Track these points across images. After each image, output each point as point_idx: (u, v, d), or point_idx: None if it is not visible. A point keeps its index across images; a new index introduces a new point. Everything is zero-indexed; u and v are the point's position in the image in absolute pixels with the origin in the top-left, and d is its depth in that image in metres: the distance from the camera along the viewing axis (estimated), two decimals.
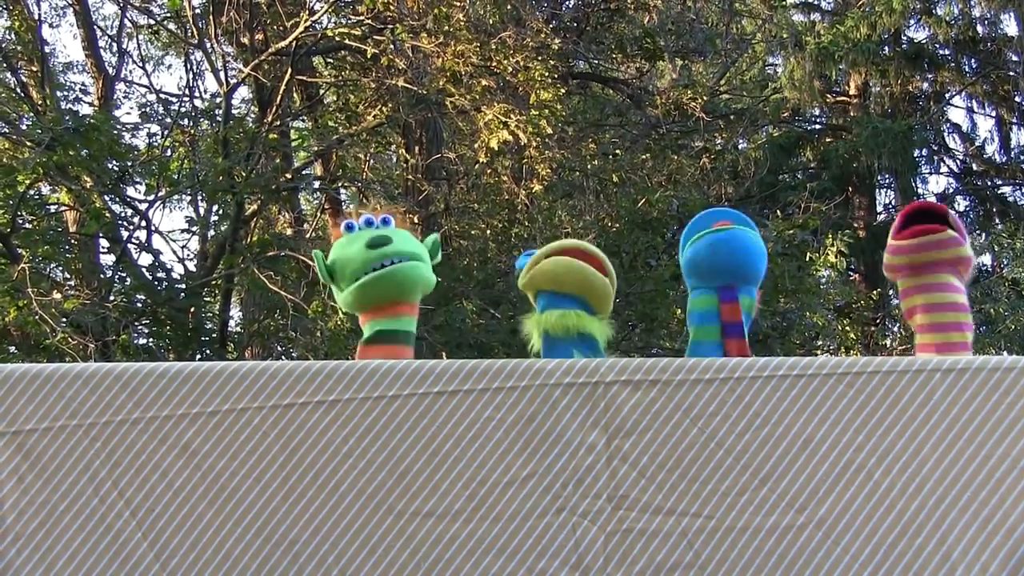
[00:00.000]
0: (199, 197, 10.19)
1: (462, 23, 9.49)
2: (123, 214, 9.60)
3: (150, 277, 9.22)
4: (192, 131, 10.70)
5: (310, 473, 1.96)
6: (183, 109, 11.41)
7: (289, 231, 11.93)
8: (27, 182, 8.36)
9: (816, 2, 18.96)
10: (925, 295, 2.40)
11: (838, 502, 1.93)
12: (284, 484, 1.96)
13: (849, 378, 1.97)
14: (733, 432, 1.96)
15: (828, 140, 18.27)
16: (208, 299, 9.99)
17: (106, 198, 9.18)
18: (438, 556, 1.94)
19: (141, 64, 13.99)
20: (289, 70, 9.48)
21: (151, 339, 9.13)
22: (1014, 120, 18.34)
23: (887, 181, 18.54)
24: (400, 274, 2.32)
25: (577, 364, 2.01)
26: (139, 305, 9.03)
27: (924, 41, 18.11)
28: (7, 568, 1.92)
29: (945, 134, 19.02)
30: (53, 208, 10.02)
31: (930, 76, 18.11)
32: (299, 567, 1.94)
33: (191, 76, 12.61)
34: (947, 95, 18.47)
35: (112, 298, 8.64)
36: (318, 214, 13.28)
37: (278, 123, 10.04)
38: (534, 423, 1.98)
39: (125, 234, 9.38)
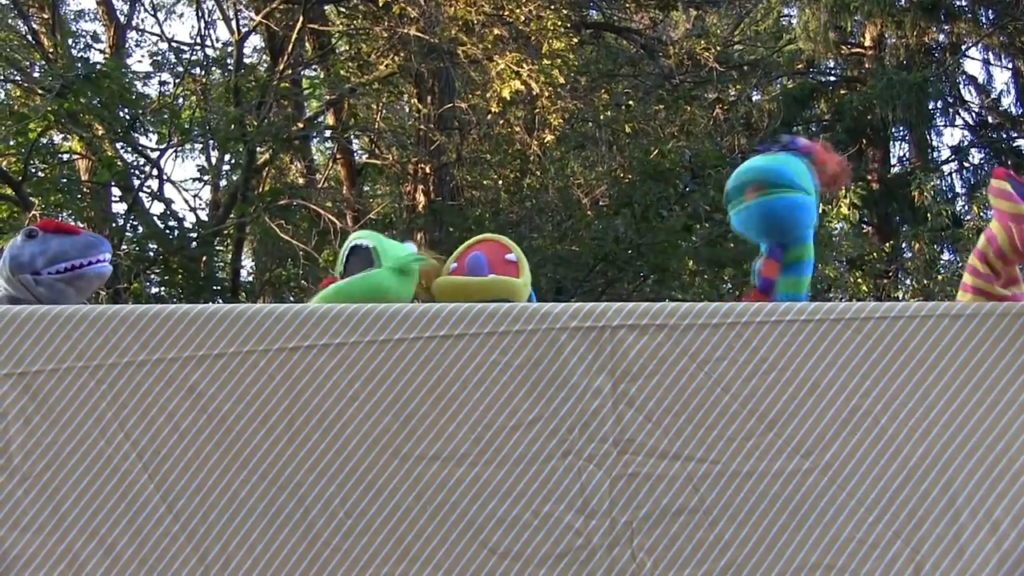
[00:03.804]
0: (211, 146, 10.19)
1: None
2: (135, 162, 9.60)
3: (162, 226, 9.24)
4: (204, 80, 10.66)
5: (316, 416, 1.97)
6: (195, 57, 11.37)
7: (301, 180, 11.93)
8: (39, 130, 8.36)
9: None
10: None
11: (844, 447, 1.92)
12: (290, 427, 1.97)
13: (857, 323, 1.96)
14: (739, 377, 1.96)
15: (842, 92, 18.12)
16: (220, 248, 10.03)
17: (118, 146, 9.18)
18: (444, 499, 1.94)
19: (153, 12, 13.86)
20: (301, 18, 9.43)
21: (163, 287, 9.17)
22: None
23: (901, 133, 18.35)
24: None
25: (584, 308, 2.01)
26: (151, 254, 9.06)
27: None
28: (15, 508, 1.94)
29: (961, 86, 18.82)
30: (65, 156, 10.02)
31: (946, 27, 17.90)
32: (304, 509, 1.95)
33: (203, 24, 12.56)
34: (963, 47, 18.27)
35: (124, 246, 8.66)
36: (330, 163, 13.25)
37: (290, 72, 10.02)
38: (540, 367, 1.98)
39: (137, 183, 9.38)
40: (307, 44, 11.07)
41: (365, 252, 2.39)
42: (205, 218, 10.04)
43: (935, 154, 18.36)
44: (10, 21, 10.47)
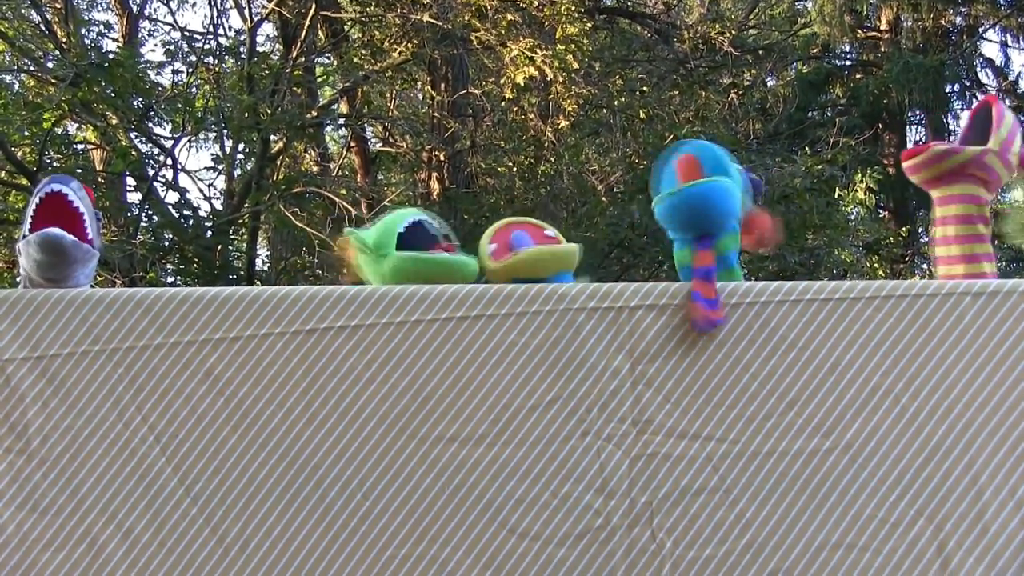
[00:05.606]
0: (224, 134, 10.19)
1: None
2: (149, 152, 9.61)
3: (177, 215, 9.26)
4: (217, 68, 10.66)
5: (333, 398, 1.96)
6: (207, 46, 11.36)
7: (315, 168, 11.92)
8: (53, 120, 8.37)
9: None
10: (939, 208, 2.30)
11: (865, 426, 1.91)
12: (307, 410, 1.96)
13: (877, 302, 1.94)
14: (759, 356, 1.95)
15: (858, 76, 18.03)
16: (235, 237, 10.04)
17: (132, 136, 9.19)
18: (462, 481, 1.94)
19: (165, 1, 13.88)
20: (313, 6, 9.41)
21: (178, 277, 9.19)
22: None
23: (918, 117, 18.26)
24: None
25: (601, 289, 1.99)
26: (166, 243, 9.08)
27: None
28: (33, 491, 1.94)
29: (978, 69, 18.66)
30: (80, 146, 10.04)
31: (963, 10, 17.77)
32: (322, 492, 1.94)
33: (215, 13, 12.54)
34: (980, 29, 18.15)
35: (139, 236, 8.69)
36: (344, 151, 13.24)
37: (303, 60, 10.00)
38: (558, 347, 1.97)
39: (151, 172, 9.40)
40: (320, 32, 11.05)
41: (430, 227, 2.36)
42: (220, 207, 10.04)
43: (952, 138, 18.23)
44: (23, 11, 10.46)
